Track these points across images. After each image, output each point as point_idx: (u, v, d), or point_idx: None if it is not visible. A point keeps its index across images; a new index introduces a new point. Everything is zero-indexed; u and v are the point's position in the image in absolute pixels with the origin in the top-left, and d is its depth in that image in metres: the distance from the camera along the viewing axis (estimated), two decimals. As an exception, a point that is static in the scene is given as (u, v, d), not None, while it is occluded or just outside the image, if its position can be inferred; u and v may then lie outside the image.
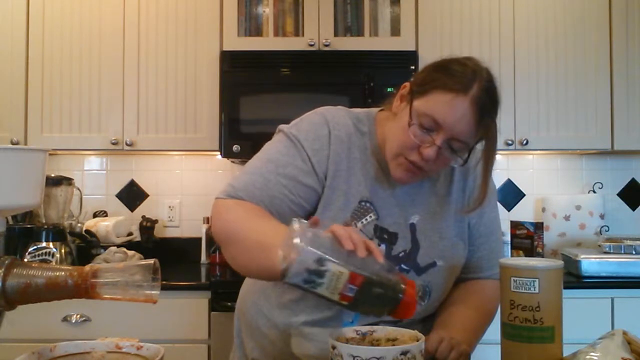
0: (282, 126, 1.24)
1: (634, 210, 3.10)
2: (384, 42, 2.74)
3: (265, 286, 1.26)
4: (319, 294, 0.88)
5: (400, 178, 1.18)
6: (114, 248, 2.62)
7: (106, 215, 3.01)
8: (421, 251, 1.21)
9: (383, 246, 1.18)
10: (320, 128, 1.21)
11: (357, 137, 1.23)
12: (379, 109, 1.30)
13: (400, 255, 1.20)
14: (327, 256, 0.86)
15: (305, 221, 0.93)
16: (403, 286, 0.90)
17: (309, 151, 1.18)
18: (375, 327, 1.00)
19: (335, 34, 2.75)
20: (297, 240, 0.86)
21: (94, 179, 3.10)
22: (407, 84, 1.19)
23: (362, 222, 1.18)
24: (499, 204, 3.17)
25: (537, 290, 0.93)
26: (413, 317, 1.21)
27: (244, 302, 1.34)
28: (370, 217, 1.19)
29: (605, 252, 2.52)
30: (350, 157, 1.21)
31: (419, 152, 1.13)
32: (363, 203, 1.19)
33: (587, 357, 0.88)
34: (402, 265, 1.19)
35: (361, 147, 1.23)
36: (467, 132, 1.11)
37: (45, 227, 2.53)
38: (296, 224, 0.89)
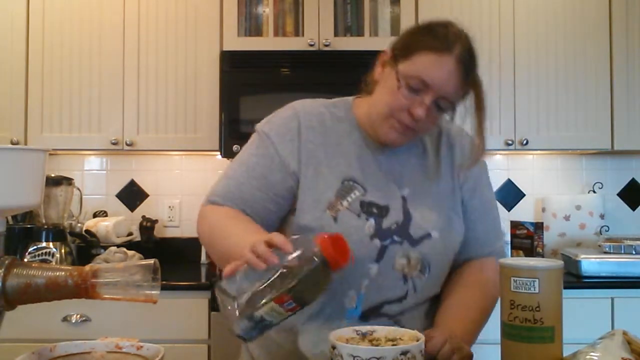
0: (257, 125, 1.28)
1: (634, 210, 3.10)
2: (384, 42, 2.71)
3: None
4: (277, 325, 0.92)
5: (393, 140, 1.20)
6: (114, 248, 2.62)
7: (106, 215, 3.01)
8: (413, 222, 1.20)
9: (372, 220, 1.18)
10: (290, 121, 1.24)
11: (334, 123, 1.25)
12: (355, 96, 1.32)
13: (393, 227, 1.19)
14: (251, 310, 0.88)
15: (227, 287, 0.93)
16: (317, 249, 0.90)
17: (279, 145, 1.21)
18: (375, 327, 1.00)
19: (335, 34, 2.75)
20: (229, 317, 0.89)
21: (94, 179, 3.11)
22: (387, 49, 1.22)
23: (347, 201, 1.18)
24: (499, 204, 3.18)
25: (537, 290, 0.93)
26: (417, 298, 1.20)
27: None
28: (355, 194, 1.19)
29: (605, 252, 2.52)
30: (327, 143, 1.23)
31: (409, 113, 1.15)
32: (346, 182, 1.20)
33: (587, 357, 0.88)
34: (394, 237, 1.18)
35: (339, 132, 1.25)
36: (454, 90, 1.14)
37: (45, 227, 2.53)
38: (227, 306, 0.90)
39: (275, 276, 0.89)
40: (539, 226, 2.79)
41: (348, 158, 1.22)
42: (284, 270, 0.89)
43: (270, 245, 0.92)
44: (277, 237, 0.93)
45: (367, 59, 2.81)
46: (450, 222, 1.25)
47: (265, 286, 0.89)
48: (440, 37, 1.14)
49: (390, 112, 1.17)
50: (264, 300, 0.88)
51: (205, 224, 1.20)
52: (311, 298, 0.91)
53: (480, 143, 1.21)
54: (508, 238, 2.89)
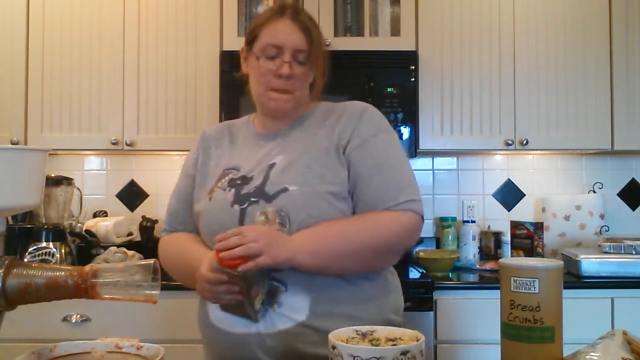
0: None
1: (634, 210, 3.10)
2: (384, 42, 2.74)
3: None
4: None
5: (279, 107, 1.39)
6: (114, 248, 2.62)
7: (106, 215, 3.01)
8: (269, 182, 1.33)
9: (233, 190, 1.35)
10: (197, 141, 1.53)
11: (236, 128, 1.52)
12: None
13: (251, 191, 1.33)
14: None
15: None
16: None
17: (187, 163, 1.53)
18: (375, 327, 1.00)
19: (335, 34, 2.75)
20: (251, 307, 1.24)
21: (94, 179, 3.10)
22: (242, 47, 1.47)
23: (221, 182, 1.39)
24: (498, 203, 3.17)
25: (537, 290, 0.93)
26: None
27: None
28: (229, 176, 1.39)
29: (605, 252, 2.52)
30: (220, 145, 1.48)
31: (278, 76, 1.35)
32: (226, 170, 1.41)
33: (587, 357, 0.88)
34: (252, 199, 1.32)
35: (237, 133, 1.50)
36: (300, 41, 1.35)
37: (45, 227, 2.53)
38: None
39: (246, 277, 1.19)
40: (539, 226, 2.79)
41: (235, 151, 1.45)
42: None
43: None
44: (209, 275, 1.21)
45: (367, 59, 2.81)
46: (317, 176, 1.32)
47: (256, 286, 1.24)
48: (272, 10, 1.40)
49: (265, 84, 1.37)
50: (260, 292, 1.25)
51: (165, 253, 1.48)
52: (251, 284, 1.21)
53: (319, 81, 1.46)
54: (508, 238, 2.89)
